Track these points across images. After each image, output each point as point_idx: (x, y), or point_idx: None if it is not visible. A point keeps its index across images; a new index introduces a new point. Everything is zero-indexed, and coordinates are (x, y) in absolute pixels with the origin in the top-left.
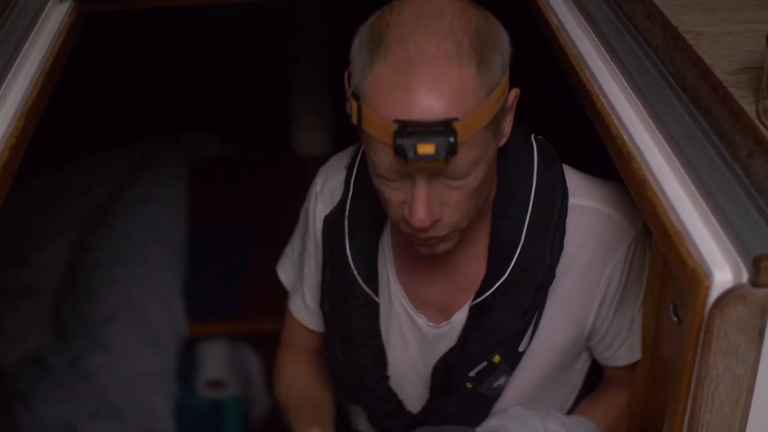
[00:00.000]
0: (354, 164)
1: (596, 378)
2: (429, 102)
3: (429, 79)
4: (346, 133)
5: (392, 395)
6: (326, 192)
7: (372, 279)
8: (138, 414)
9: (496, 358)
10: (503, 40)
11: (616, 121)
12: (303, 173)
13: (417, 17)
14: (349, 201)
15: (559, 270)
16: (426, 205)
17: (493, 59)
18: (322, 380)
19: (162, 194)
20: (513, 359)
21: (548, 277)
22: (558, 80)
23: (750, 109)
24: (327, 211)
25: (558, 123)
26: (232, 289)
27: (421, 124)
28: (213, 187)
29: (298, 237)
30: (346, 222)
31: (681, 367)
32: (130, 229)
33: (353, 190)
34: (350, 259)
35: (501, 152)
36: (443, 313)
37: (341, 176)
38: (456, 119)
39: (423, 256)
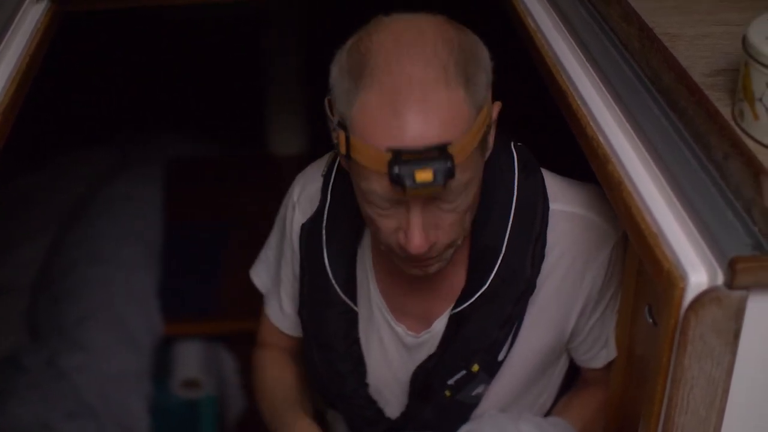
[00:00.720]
0: (330, 172)
1: (573, 377)
2: (421, 128)
3: (419, 105)
4: (322, 135)
5: (372, 403)
6: (304, 200)
7: (350, 287)
8: (113, 414)
9: (475, 367)
10: (485, 56)
11: (592, 123)
12: (278, 174)
13: (398, 41)
14: (326, 209)
15: (540, 278)
16: (422, 231)
17: (479, 78)
18: (303, 384)
19: (138, 194)
20: (492, 368)
21: (528, 289)
22: (534, 83)
23: (726, 111)
24: (304, 219)
25: (536, 126)
26: (207, 289)
27: (415, 151)
28: (189, 187)
29: (274, 242)
30: (324, 231)
31: (656, 369)
32: (107, 228)
33: (330, 198)
34: (328, 267)
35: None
36: (423, 322)
37: (318, 184)
38: (450, 143)
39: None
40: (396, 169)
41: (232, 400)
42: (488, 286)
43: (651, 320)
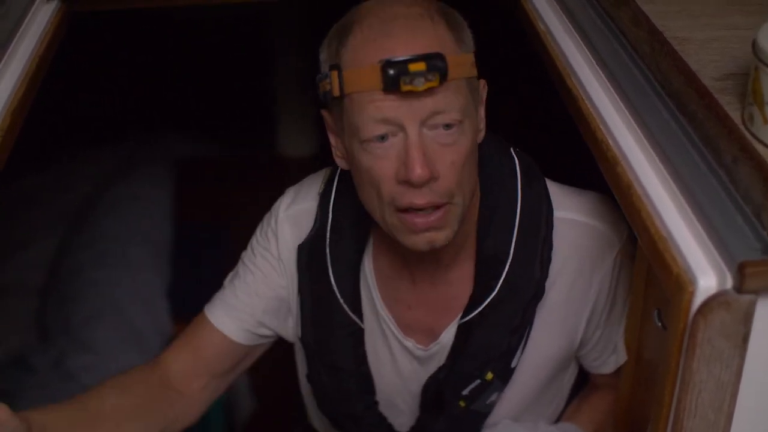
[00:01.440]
0: (330, 190)
1: (582, 383)
2: (411, 43)
3: (407, 29)
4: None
5: (382, 419)
6: (293, 212)
7: (356, 305)
8: None
9: (489, 376)
10: (466, 26)
11: (601, 126)
12: (286, 175)
13: (380, 0)
14: (329, 228)
15: (547, 284)
16: (422, 153)
17: (463, 29)
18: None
19: (146, 194)
20: (505, 375)
21: (538, 293)
22: (541, 86)
23: (735, 115)
24: (296, 234)
25: (541, 128)
26: (215, 290)
27: (408, 57)
28: (198, 187)
29: (241, 269)
30: (328, 250)
31: (665, 373)
32: (115, 229)
33: (332, 216)
34: (335, 287)
35: (481, 165)
36: (430, 335)
37: (311, 203)
38: (440, 52)
39: (407, 279)
40: (390, 71)
41: (240, 402)
42: (496, 294)
43: (660, 324)
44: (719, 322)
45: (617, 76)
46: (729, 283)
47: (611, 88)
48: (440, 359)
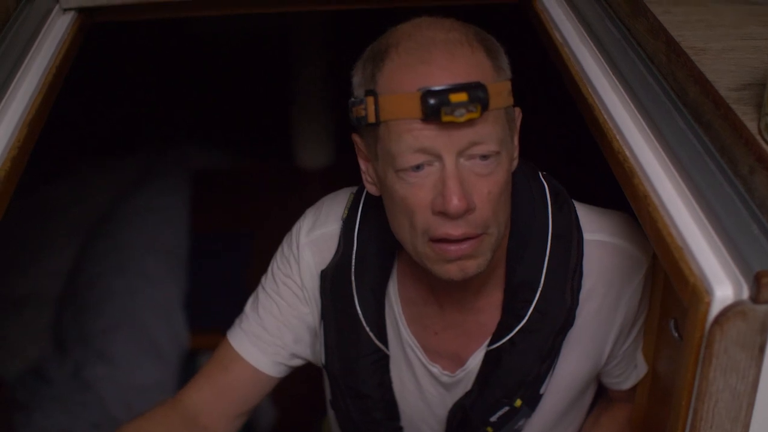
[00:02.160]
0: (355, 216)
1: (599, 393)
2: (450, 71)
3: (446, 55)
4: (346, 148)
5: None
6: (315, 238)
7: (382, 332)
8: None
9: (518, 402)
10: (503, 53)
11: (618, 137)
12: (304, 186)
13: (417, 24)
14: (354, 255)
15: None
16: (459, 184)
17: (500, 55)
18: None
19: (164, 205)
20: (534, 401)
21: (569, 321)
22: (557, 96)
23: (752, 125)
24: (317, 260)
25: (558, 140)
26: (233, 301)
27: (448, 86)
28: (214, 198)
29: (259, 288)
30: (353, 277)
31: (681, 383)
32: (131, 239)
33: (357, 242)
34: (360, 315)
35: (513, 191)
36: (456, 360)
37: (332, 227)
38: (481, 81)
39: (434, 305)
40: (431, 100)
41: (261, 413)
42: (527, 321)
43: (676, 334)
44: (735, 332)
45: (633, 86)
46: (745, 293)
47: (628, 99)
48: (466, 385)
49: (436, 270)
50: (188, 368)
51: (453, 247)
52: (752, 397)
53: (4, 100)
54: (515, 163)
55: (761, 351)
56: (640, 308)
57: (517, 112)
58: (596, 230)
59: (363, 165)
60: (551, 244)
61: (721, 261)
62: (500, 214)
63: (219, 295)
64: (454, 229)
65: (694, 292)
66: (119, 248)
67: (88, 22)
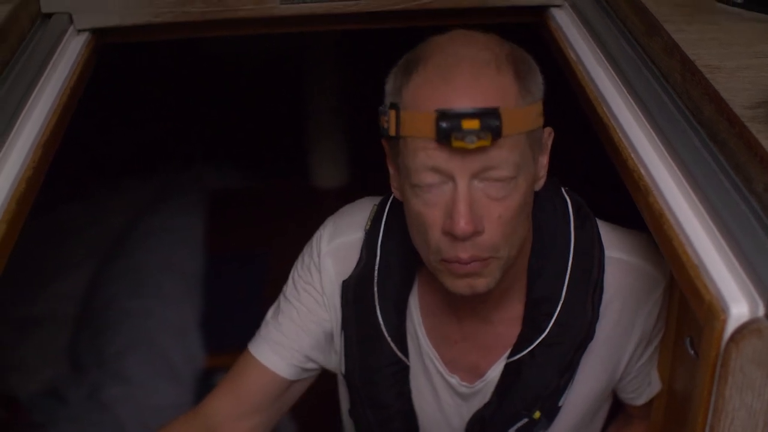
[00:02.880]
0: (378, 228)
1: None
2: (469, 94)
3: (468, 77)
4: (362, 167)
5: None
6: (336, 246)
7: (402, 343)
8: None
9: (537, 414)
10: (538, 72)
11: (633, 155)
12: (319, 206)
13: (452, 38)
14: (377, 267)
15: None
16: (468, 207)
17: (531, 77)
18: None
19: (179, 225)
20: (552, 414)
21: (589, 334)
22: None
23: (767, 144)
24: (339, 268)
25: (572, 155)
26: (249, 321)
27: (463, 111)
28: (230, 218)
29: (279, 297)
30: (376, 288)
31: (697, 401)
32: (147, 260)
33: (380, 255)
34: (382, 325)
35: (536, 206)
36: (475, 372)
37: (354, 236)
38: (498, 108)
39: (453, 316)
40: (443, 124)
41: (281, 430)
42: (547, 334)
43: (692, 352)
44: (751, 350)
45: (648, 104)
46: (761, 311)
47: (643, 117)
48: (484, 396)
49: (447, 284)
50: (204, 388)
51: (460, 265)
52: None
53: (19, 122)
54: (541, 182)
55: None
56: (657, 327)
57: (548, 133)
58: (615, 248)
59: (391, 169)
60: (573, 258)
61: (736, 279)
62: (513, 236)
63: (235, 315)
64: (463, 252)
65: (710, 309)
66: (135, 269)
67: (102, 42)
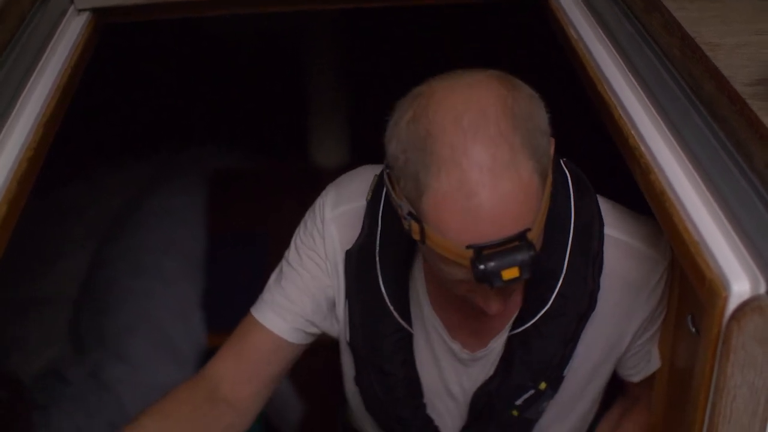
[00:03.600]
0: (380, 197)
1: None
2: (500, 224)
3: (494, 198)
4: (362, 147)
5: (430, 422)
6: (340, 214)
7: (405, 311)
8: None
9: (543, 385)
10: (542, 113)
11: (633, 133)
12: (320, 185)
13: (460, 126)
14: (378, 236)
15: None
16: (503, 301)
17: (542, 143)
18: None
19: (179, 206)
20: (557, 384)
21: (591, 305)
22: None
23: (767, 120)
24: (345, 240)
25: (573, 132)
26: (250, 300)
27: (496, 244)
28: (231, 198)
29: (281, 263)
30: (378, 258)
31: (699, 378)
32: (148, 240)
33: (382, 225)
34: (385, 295)
35: None
36: (478, 339)
37: (357, 204)
38: (529, 229)
39: None
40: (481, 267)
41: (285, 407)
42: (550, 306)
43: (694, 330)
44: (753, 327)
45: (649, 82)
46: (762, 288)
47: (643, 95)
48: (485, 365)
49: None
50: None
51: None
52: None
53: (20, 102)
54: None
55: None
56: (658, 308)
57: (551, 144)
58: (615, 227)
59: (405, 225)
60: (573, 232)
61: (737, 256)
62: None
63: (236, 294)
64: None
65: (711, 287)
66: (135, 249)
67: (102, 22)
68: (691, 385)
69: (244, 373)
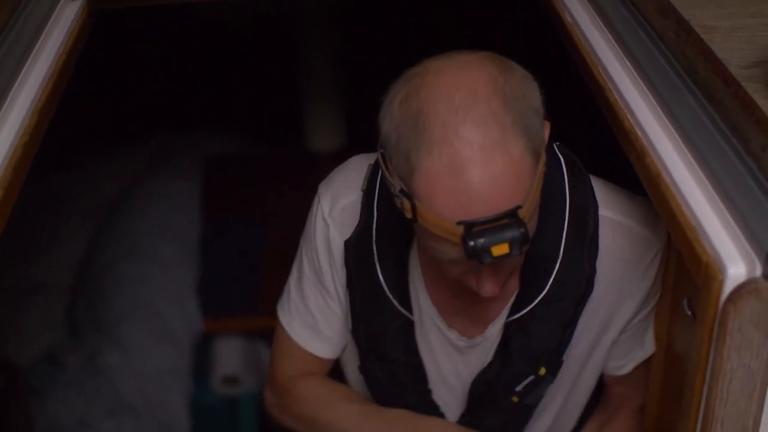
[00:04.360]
0: (374, 187)
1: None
2: (490, 201)
3: (485, 175)
4: (358, 132)
5: (435, 408)
6: (337, 214)
7: (405, 298)
8: (153, 410)
9: (542, 371)
10: (535, 94)
11: (629, 116)
12: (316, 170)
13: (451, 105)
14: (374, 225)
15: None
16: (495, 281)
17: (534, 122)
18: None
19: (175, 191)
20: (556, 369)
21: (588, 289)
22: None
23: (763, 103)
24: (344, 234)
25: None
26: (246, 286)
27: (487, 221)
28: (226, 183)
29: (297, 267)
30: (375, 246)
31: (695, 362)
32: (144, 226)
33: (377, 213)
34: (383, 283)
35: None
36: (475, 327)
37: (353, 197)
38: (520, 207)
39: None
40: (471, 243)
41: None
42: (547, 291)
43: (690, 313)
44: (749, 310)
45: (644, 66)
46: (758, 271)
47: (638, 79)
48: (482, 353)
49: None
50: (202, 353)
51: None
52: (766, 375)
53: (14, 88)
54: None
55: None
56: (652, 289)
57: (546, 128)
58: (609, 207)
59: (397, 202)
60: (569, 216)
61: (733, 239)
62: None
63: (232, 279)
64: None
65: (707, 270)
66: (131, 234)
67: (97, 8)
68: (688, 369)
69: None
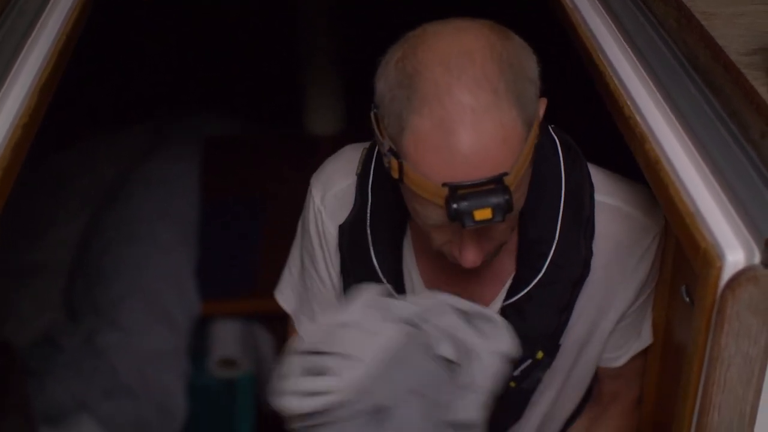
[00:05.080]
0: (368, 171)
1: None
2: (477, 163)
3: (473, 137)
4: (357, 114)
5: None
6: (330, 202)
7: (399, 283)
8: (150, 392)
9: (540, 354)
10: (532, 65)
11: (628, 102)
12: (314, 153)
13: (446, 66)
14: (369, 210)
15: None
16: (478, 250)
17: (529, 93)
18: None
19: (175, 173)
20: (553, 352)
21: (585, 272)
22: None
23: (762, 90)
24: (337, 220)
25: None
26: (244, 268)
27: (471, 184)
28: (225, 166)
29: (297, 255)
30: (369, 231)
31: (693, 348)
32: (142, 208)
33: (372, 198)
34: (377, 267)
35: None
36: None
37: (346, 183)
38: (506, 174)
39: (446, 258)
40: (454, 206)
41: (269, 379)
42: (543, 274)
43: (688, 300)
44: (747, 297)
45: (644, 52)
46: (757, 258)
47: (638, 65)
48: None
49: (449, 257)
50: (199, 335)
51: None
52: (764, 362)
53: (14, 69)
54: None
55: None
56: (650, 275)
57: (542, 104)
58: (605, 192)
59: (386, 161)
60: (564, 199)
61: (732, 226)
62: (514, 225)
63: (230, 262)
64: (467, 263)
65: (706, 257)
66: (130, 216)
67: None
68: (685, 356)
69: None
